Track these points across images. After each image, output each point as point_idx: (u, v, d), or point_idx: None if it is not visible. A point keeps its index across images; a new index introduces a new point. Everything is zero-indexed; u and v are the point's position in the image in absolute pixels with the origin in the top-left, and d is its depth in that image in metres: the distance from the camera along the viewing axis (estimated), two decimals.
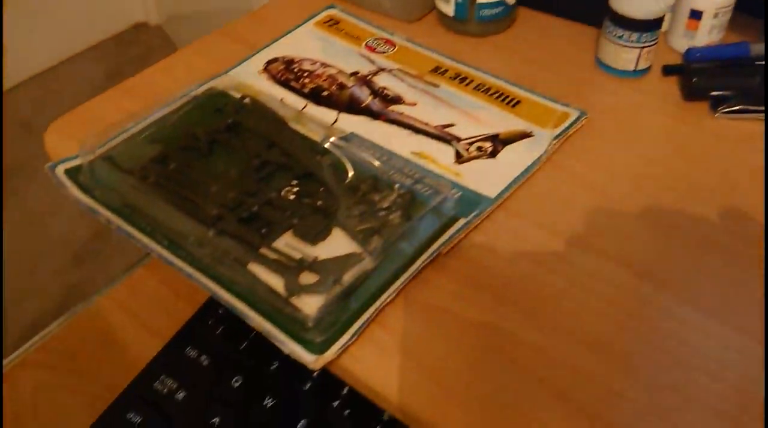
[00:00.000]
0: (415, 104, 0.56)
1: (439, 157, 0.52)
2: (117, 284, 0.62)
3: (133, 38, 2.03)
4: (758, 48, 0.58)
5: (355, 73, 0.60)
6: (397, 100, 0.57)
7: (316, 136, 0.53)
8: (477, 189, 0.49)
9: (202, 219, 0.46)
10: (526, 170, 0.51)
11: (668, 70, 0.60)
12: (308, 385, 0.49)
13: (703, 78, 0.57)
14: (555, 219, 0.48)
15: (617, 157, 0.53)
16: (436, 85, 0.58)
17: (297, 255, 0.44)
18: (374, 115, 0.56)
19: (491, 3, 0.62)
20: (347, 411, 0.48)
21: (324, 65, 0.60)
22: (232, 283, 0.43)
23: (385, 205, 0.47)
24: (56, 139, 0.56)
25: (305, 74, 0.59)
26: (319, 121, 0.53)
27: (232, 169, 0.50)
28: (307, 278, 0.42)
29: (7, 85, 1.84)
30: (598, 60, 0.60)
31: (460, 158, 0.52)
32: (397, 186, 0.48)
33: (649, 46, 0.57)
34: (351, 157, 0.50)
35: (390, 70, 0.60)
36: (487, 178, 0.50)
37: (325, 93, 0.58)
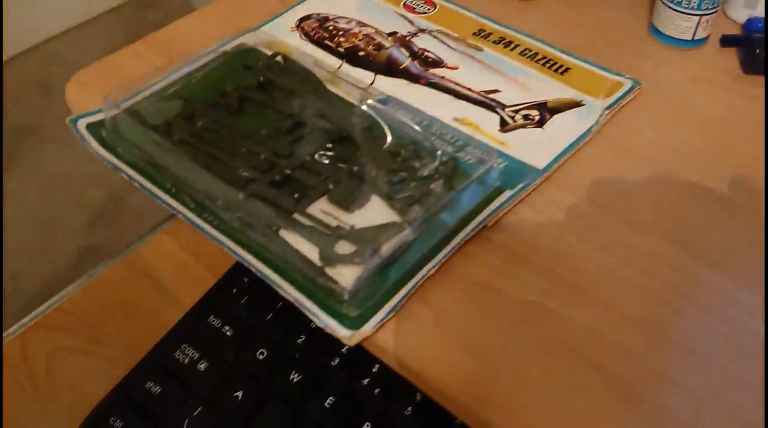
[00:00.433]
0: (456, 68, 0.53)
1: (483, 124, 0.49)
2: (136, 247, 0.59)
3: (152, 1, 1.99)
4: None
5: (393, 34, 0.56)
6: (438, 62, 0.54)
7: (352, 97, 0.50)
8: (524, 159, 0.46)
9: (231, 181, 0.43)
10: (576, 141, 0.48)
11: (727, 41, 0.56)
12: (336, 361, 0.47)
13: (764, 50, 0.53)
14: (605, 195, 0.45)
15: (671, 131, 0.49)
16: (479, 49, 0.55)
17: (333, 223, 0.41)
18: (413, 78, 0.52)
19: None
20: (377, 390, 0.45)
21: (360, 24, 0.57)
22: (262, 250, 0.41)
23: (426, 173, 0.44)
24: (78, 91, 0.53)
25: (340, 33, 0.56)
26: (355, 82, 0.50)
27: (263, 129, 0.47)
28: (344, 247, 0.39)
29: (24, 45, 1.82)
30: (652, 27, 0.56)
31: (505, 126, 0.49)
32: (439, 153, 0.45)
33: (709, 13, 0.53)
34: (389, 120, 0.47)
35: (430, 32, 0.56)
36: (534, 148, 0.47)
37: (362, 53, 0.54)
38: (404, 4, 0.59)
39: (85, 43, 1.87)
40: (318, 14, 0.58)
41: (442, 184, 0.43)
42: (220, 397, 0.46)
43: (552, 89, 0.51)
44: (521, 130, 0.48)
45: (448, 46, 0.55)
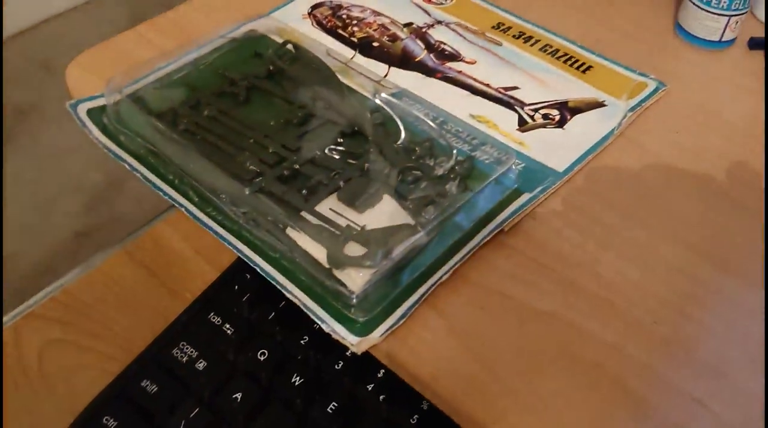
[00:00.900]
0: (474, 62, 0.51)
1: (501, 123, 0.47)
2: (135, 237, 0.57)
3: None
4: None
5: (408, 24, 0.54)
6: (455, 56, 0.51)
7: (364, 90, 0.48)
8: (543, 161, 0.44)
9: (237, 175, 0.41)
10: (598, 143, 0.46)
11: (755, 44, 0.54)
12: (340, 364, 0.45)
13: None
14: (627, 200, 0.43)
15: (696, 136, 0.47)
16: (498, 43, 0.53)
17: (342, 222, 0.39)
18: (429, 72, 0.50)
19: None
20: (382, 397, 0.43)
21: (375, 13, 0.55)
22: (268, 249, 0.39)
23: (441, 172, 0.42)
24: (79, 74, 0.51)
25: (354, 22, 0.54)
26: (368, 74, 0.48)
27: (272, 120, 0.45)
28: (354, 249, 0.37)
29: (27, 23, 1.79)
30: (678, 26, 0.54)
31: (523, 125, 0.47)
32: (455, 152, 0.43)
33: (738, 14, 0.51)
34: (404, 115, 0.45)
35: (447, 24, 0.54)
36: (554, 149, 0.45)
37: (376, 44, 0.52)
38: None
39: (88, 23, 1.84)
40: (331, 1, 0.56)
41: (458, 184, 0.41)
42: (219, 398, 0.44)
43: (573, 88, 0.49)
44: (540, 129, 0.46)
45: (466, 39, 0.53)
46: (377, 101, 0.46)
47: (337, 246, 0.37)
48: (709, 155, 0.46)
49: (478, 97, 0.48)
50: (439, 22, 0.54)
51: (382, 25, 0.54)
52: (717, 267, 0.40)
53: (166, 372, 0.46)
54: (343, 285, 0.36)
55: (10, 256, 1.25)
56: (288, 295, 0.37)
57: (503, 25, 0.54)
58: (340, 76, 0.48)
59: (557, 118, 0.47)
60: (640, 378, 0.35)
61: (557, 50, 0.52)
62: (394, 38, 0.53)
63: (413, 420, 0.42)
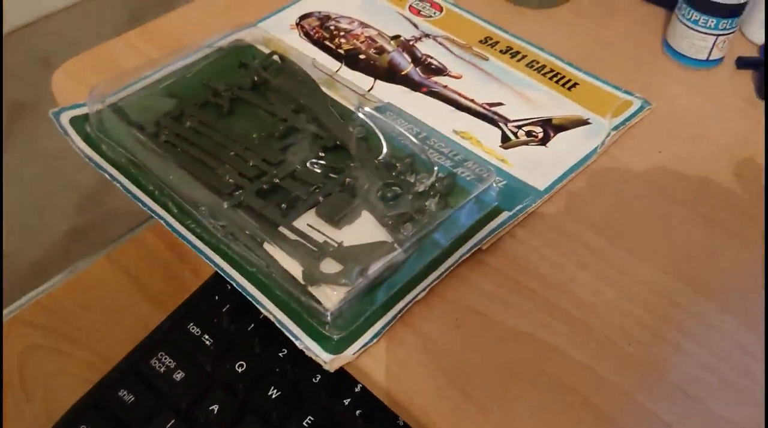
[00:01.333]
0: (460, 77, 0.51)
1: (484, 139, 0.47)
2: (120, 243, 0.57)
3: None
4: None
5: (396, 37, 0.54)
6: (441, 70, 0.51)
7: (349, 103, 0.47)
8: (524, 178, 0.44)
9: (216, 188, 0.41)
10: (581, 162, 0.46)
11: (743, 63, 0.54)
12: (318, 378, 0.45)
13: None
14: (609, 220, 0.43)
15: (681, 156, 0.47)
16: (485, 58, 0.53)
17: (319, 238, 0.39)
18: (414, 86, 0.50)
19: None
20: (359, 412, 0.43)
21: (363, 25, 0.55)
22: (244, 263, 0.39)
23: (422, 188, 0.42)
24: (65, 81, 0.51)
25: (341, 33, 0.54)
26: (353, 87, 0.48)
27: (254, 132, 0.45)
28: (329, 266, 0.37)
29: (26, 19, 1.79)
30: (666, 45, 0.54)
31: (506, 142, 0.47)
32: (436, 169, 0.43)
33: (726, 34, 0.51)
34: (386, 130, 0.45)
35: (435, 37, 0.54)
36: (536, 167, 0.45)
37: (362, 56, 0.52)
38: (410, 6, 0.57)
39: (87, 21, 1.84)
40: (320, 12, 0.56)
41: (438, 201, 0.41)
42: (196, 410, 0.44)
43: (558, 105, 0.49)
44: (523, 147, 0.46)
45: (453, 53, 0.53)
46: (360, 115, 0.46)
47: (313, 263, 0.37)
48: (692, 176, 0.46)
49: (463, 113, 0.48)
50: (427, 36, 0.54)
51: (370, 37, 0.54)
52: (695, 290, 0.40)
53: (143, 382, 0.46)
54: (318, 302, 0.36)
55: (5, 255, 1.25)
56: (263, 311, 0.37)
57: (491, 39, 0.54)
58: (324, 89, 0.48)
59: (540, 135, 0.47)
60: (612, 400, 0.35)
61: (544, 66, 0.52)
62: (381, 51, 0.53)
63: None
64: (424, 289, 0.38)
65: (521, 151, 0.46)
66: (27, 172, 1.42)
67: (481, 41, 0.54)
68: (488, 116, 0.48)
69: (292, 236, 0.39)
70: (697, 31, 0.51)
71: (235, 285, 0.38)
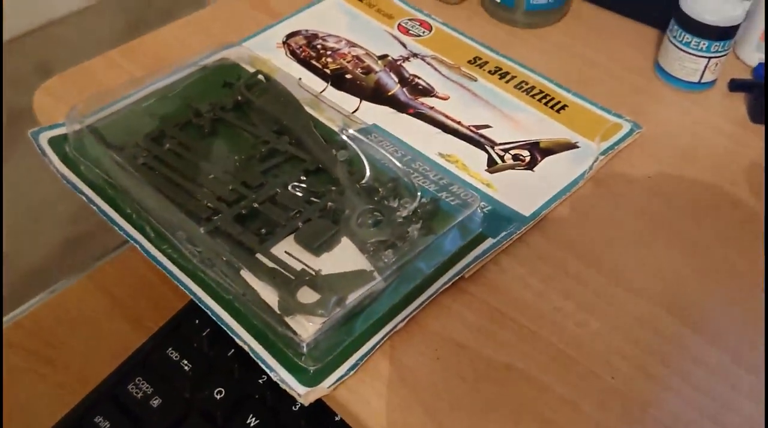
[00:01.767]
0: (447, 98, 0.50)
1: (470, 163, 0.46)
2: (102, 263, 0.56)
3: None
4: None
5: (384, 56, 0.53)
6: (428, 91, 0.51)
7: (334, 124, 0.47)
8: (510, 204, 0.43)
9: (194, 213, 0.40)
10: (568, 187, 0.45)
11: (735, 86, 0.53)
12: (298, 406, 0.44)
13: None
14: (595, 248, 0.42)
15: (671, 181, 0.46)
16: (473, 79, 0.52)
17: (297, 266, 0.38)
18: (401, 107, 0.49)
19: None
20: None
21: (350, 44, 0.54)
22: (221, 290, 0.38)
23: (404, 214, 0.41)
24: (46, 101, 0.50)
25: (328, 52, 0.53)
26: (338, 108, 0.47)
27: (235, 155, 0.44)
28: (306, 295, 0.36)
29: (26, 26, 1.79)
30: (657, 66, 0.53)
31: (493, 166, 0.46)
32: (419, 194, 0.42)
33: (719, 56, 0.50)
34: (370, 153, 0.44)
35: (423, 57, 0.54)
36: (522, 192, 0.44)
37: (349, 76, 0.51)
38: (399, 24, 0.56)
39: (86, 29, 1.84)
40: (307, 30, 0.55)
41: (420, 227, 0.41)
42: None
43: (546, 128, 0.48)
44: (510, 171, 0.45)
45: (441, 73, 0.52)
46: (344, 137, 0.45)
47: (289, 292, 0.36)
48: (682, 203, 0.45)
49: (449, 135, 0.48)
50: (415, 55, 0.53)
51: (357, 57, 0.53)
52: (682, 321, 0.39)
53: (119, 408, 0.45)
54: (294, 332, 0.35)
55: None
56: (237, 341, 0.36)
57: (480, 59, 0.53)
58: (309, 109, 0.48)
59: (527, 159, 0.46)
60: None
61: (533, 87, 0.51)
62: (368, 71, 0.52)
63: None
64: (403, 319, 0.37)
65: (507, 176, 0.45)
66: (23, 179, 1.41)
67: (469, 61, 0.53)
68: (475, 139, 0.47)
69: (269, 263, 0.38)
70: (688, 53, 0.50)
71: (210, 313, 0.37)
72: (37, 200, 1.37)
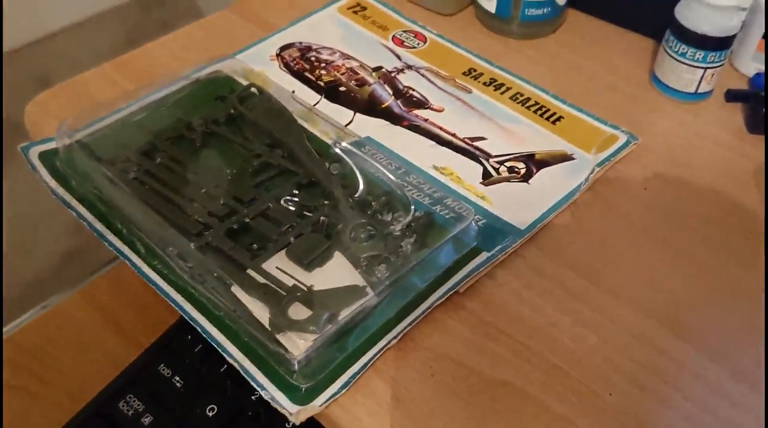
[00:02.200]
0: (442, 110, 0.50)
1: (464, 175, 0.45)
2: (95, 278, 0.56)
3: (157, 1, 1.96)
4: None
5: (378, 68, 0.53)
6: (423, 103, 0.50)
7: (327, 137, 0.46)
8: (505, 217, 0.43)
9: (184, 228, 0.39)
10: (563, 200, 0.44)
11: (732, 96, 0.52)
12: (291, 424, 0.43)
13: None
14: (591, 261, 0.42)
15: (668, 192, 0.46)
16: (468, 90, 0.51)
17: (288, 282, 0.37)
18: (395, 119, 0.49)
19: (538, 1, 0.55)
20: None
21: (344, 56, 0.54)
22: (212, 307, 0.37)
23: (398, 228, 0.41)
24: (38, 114, 0.50)
25: (322, 65, 0.53)
26: (332, 121, 0.47)
27: (227, 168, 0.44)
28: (298, 312, 0.36)
29: (25, 39, 1.78)
30: (653, 77, 0.53)
31: (487, 178, 0.45)
32: (413, 208, 0.41)
33: (715, 67, 0.50)
34: (363, 166, 0.44)
35: (417, 69, 0.53)
36: (517, 205, 0.44)
37: (343, 88, 0.51)
38: (393, 36, 0.56)
39: (86, 41, 1.84)
40: (301, 43, 0.55)
41: (414, 241, 0.40)
42: None
43: (541, 139, 0.48)
44: (505, 183, 0.45)
45: (436, 85, 0.52)
46: (338, 150, 0.45)
47: (280, 308, 0.36)
48: (679, 215, 0.44)
49: (444, 148, 0.47)
50: (410, 67, 0.53)
51: (351, 69, 0.53)
52: (680, 336, 0.38)
53: (110, 426, 0.44)
54: (285, 349, 0.35)
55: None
56: (228, 358, 0.36)
57: (475, 71, 0.53)
58: (302, 122, 0.47)
59: (523, 171, 0.46)
60: None
61: (528, 99, 0.51)
62: (362, 83, 0.52)
63: None
64: (397, 335, 0.37)
65: (502, 188, 0.45)
66: (21, 192, 1.40)
67: (464, 73, 0.53)
68: (469, 151, 0.47)
69: (261, 279, 0.37)
70: (685, 63, 0.50)
71: (200, 330, 0.37)
72: (35, 213, 1.36)
